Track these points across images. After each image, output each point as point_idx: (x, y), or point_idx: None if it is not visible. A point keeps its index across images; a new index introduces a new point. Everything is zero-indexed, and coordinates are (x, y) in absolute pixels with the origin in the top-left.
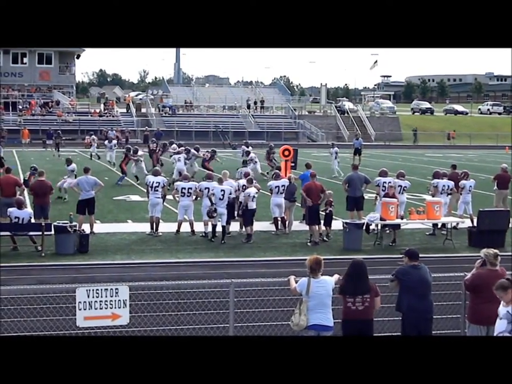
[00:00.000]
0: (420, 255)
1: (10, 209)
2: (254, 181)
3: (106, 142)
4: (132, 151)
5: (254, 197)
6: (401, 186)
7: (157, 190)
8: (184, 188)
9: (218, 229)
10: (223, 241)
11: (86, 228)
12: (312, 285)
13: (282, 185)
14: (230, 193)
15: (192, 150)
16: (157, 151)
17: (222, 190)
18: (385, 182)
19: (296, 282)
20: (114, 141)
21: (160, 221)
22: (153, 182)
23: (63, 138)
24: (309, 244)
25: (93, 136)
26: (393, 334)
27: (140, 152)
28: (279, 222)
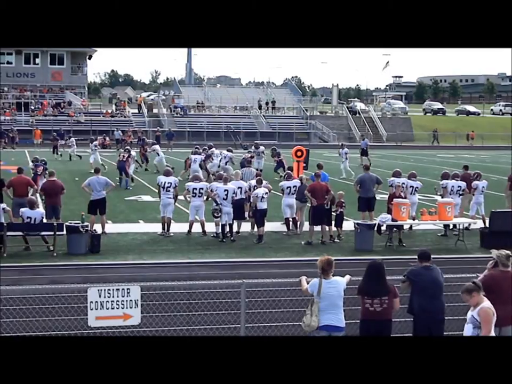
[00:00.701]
0: (432, 256)
1: (22, 209)
2: (265, 182)
3: (90, 144)
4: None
5: (262, 197)
6: (413, 187)
7: (169, 191)
8: (196, 188)
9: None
10: (232, 239)
11: (97, 228)
12: (323, 285)
13: (293, 186)
14: (234, 193)
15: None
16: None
17: (225, 190)
18: (399, 183)
19: (308, 283)
20: (96, 142)
21: (172, 221)
22: (164, 182)
23: (67, 138)
24: (302, 242)
25: (72, 139)
26: (404, 335)
27: (133, 153)
28: (291, 223)
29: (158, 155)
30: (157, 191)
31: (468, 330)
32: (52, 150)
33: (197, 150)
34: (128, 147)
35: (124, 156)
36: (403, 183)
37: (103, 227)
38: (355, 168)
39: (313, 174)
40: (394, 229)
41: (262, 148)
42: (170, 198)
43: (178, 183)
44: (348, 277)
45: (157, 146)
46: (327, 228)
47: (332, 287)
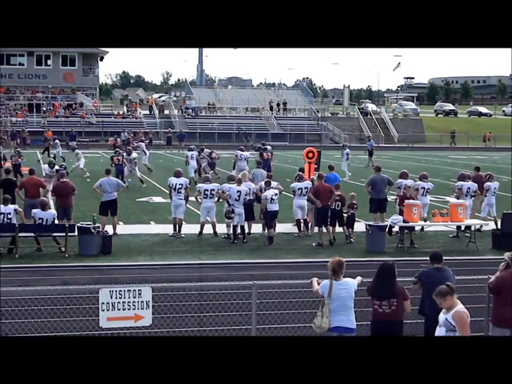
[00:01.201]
0: (444, 258)
1: (34, 210)
2: (277, 183)
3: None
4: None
5: (272, 199)
6: (424, 188)
7: (180, 192)
8: (207, 190)
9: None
10: (244, 241)
11: (109, 229)
12: (334, 287)
13: (305, 187)
14: (246, 194)
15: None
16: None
17: (238, 191)
18: (406, 184)
19: (319, 284)
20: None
21: (183, 222)
22: (175, 183)
23: (55, 140)
24: (313, 244)
25: (57, 140)
26: (415, 336)
27: (134, 154)
28: (302, 224)
29: (145, 154)
30: (168, 192)
31: (440, 333)
32: (42, 151)
33: (191, 148)
34: (118, 149)
35: (118, 160)
36: (410, 185)
37: (114, 228)
38: (362, 169)
39: (317, 175)
40: (406, 230)
41: (269, 147)
42: (181, 199)
43: (189, 184)
44: (359, 278)
45: (142, 144)
46: (323, 229)
47: (342, 289)
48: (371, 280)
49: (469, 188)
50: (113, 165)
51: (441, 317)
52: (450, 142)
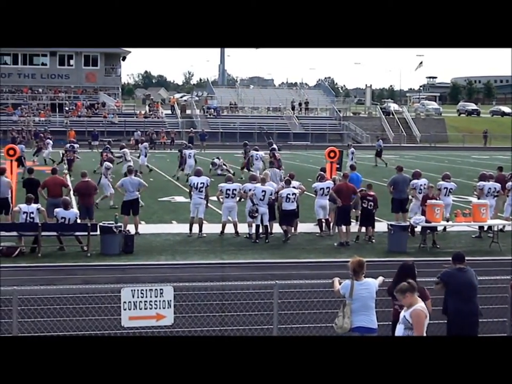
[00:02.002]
0: (466, 258)
1: (56, 210)
2: (299, 183)
3: (140, 145)
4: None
5: (288, 197)
6: (447, 188)
7: (201, 191)
8: (229, 189)
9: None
10: (267, 241)
11: (130, 228)
12: (355, 287)
13: (326, 187)
14: (271, 194)
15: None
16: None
17: (263, 191)
18: (420, 184)
19: (341, 284)
20: (146, 144)
21: (204, 222)
22: (197, 183)
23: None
24: (335, 244)
25: (48, 140)
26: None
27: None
28: (323, 224)
29: (145, 156)
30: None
31: (399, 331)
32: (33, 152)
33: (190, 145)
34: (108, 146)
35: (107, 155)
36: (424, 184)
37: (136, 227)
38: (383, 168)
39: (342, 174)
40: (428, 231)
41: (274, 146)
42: (201, 198)
43: (211, 183)
44: (380, 278)
45: (141, 146)
46: (344, 228)
47: (364, 289)
48: (392, 280)
49: (490, 188)
50: (102, 161)
51: (401, 314)
52: (484, 142)
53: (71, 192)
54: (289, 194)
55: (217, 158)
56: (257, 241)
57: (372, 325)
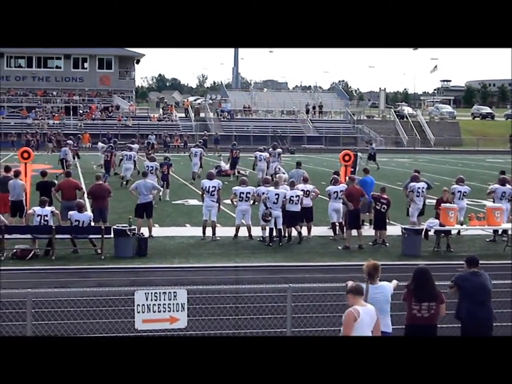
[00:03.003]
0: (480, 262)
1: (70, 212)
2: (313, 186)
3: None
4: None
5: (291, 200)
6: (460, 192)
7: (213, 194)
8: (243, 193)
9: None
10: (280, 244)
11: (144, 231)
12: (370, 291)
13: (340, 191)
14: (285, 197)
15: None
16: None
17: (276, 194)
18: (418, 188)
19: None
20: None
21: (218, 225)
22: (209, 186)
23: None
24: (339, 247)
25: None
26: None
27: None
28: (337, 227)
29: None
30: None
31: None
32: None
33: (197, 143)
34: (112, 145)
35: (108, 155)
36: (422, 188)
37: (150, 230)
38: (398, 171)
39: (348, 177)
40: (442, 234)
41: (279, 149)
42: (213, 201)
43: (223, 186)
44: (394, 281)
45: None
46: (353, 232)
47: (379, 292)
48: (406, 283)
49: (504, 192)
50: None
51: None
52: (509, 146)
53: (85, 195)
54: (292, 196)
55: (223, 161)
56: (270, 244)
57: (387, 328)
